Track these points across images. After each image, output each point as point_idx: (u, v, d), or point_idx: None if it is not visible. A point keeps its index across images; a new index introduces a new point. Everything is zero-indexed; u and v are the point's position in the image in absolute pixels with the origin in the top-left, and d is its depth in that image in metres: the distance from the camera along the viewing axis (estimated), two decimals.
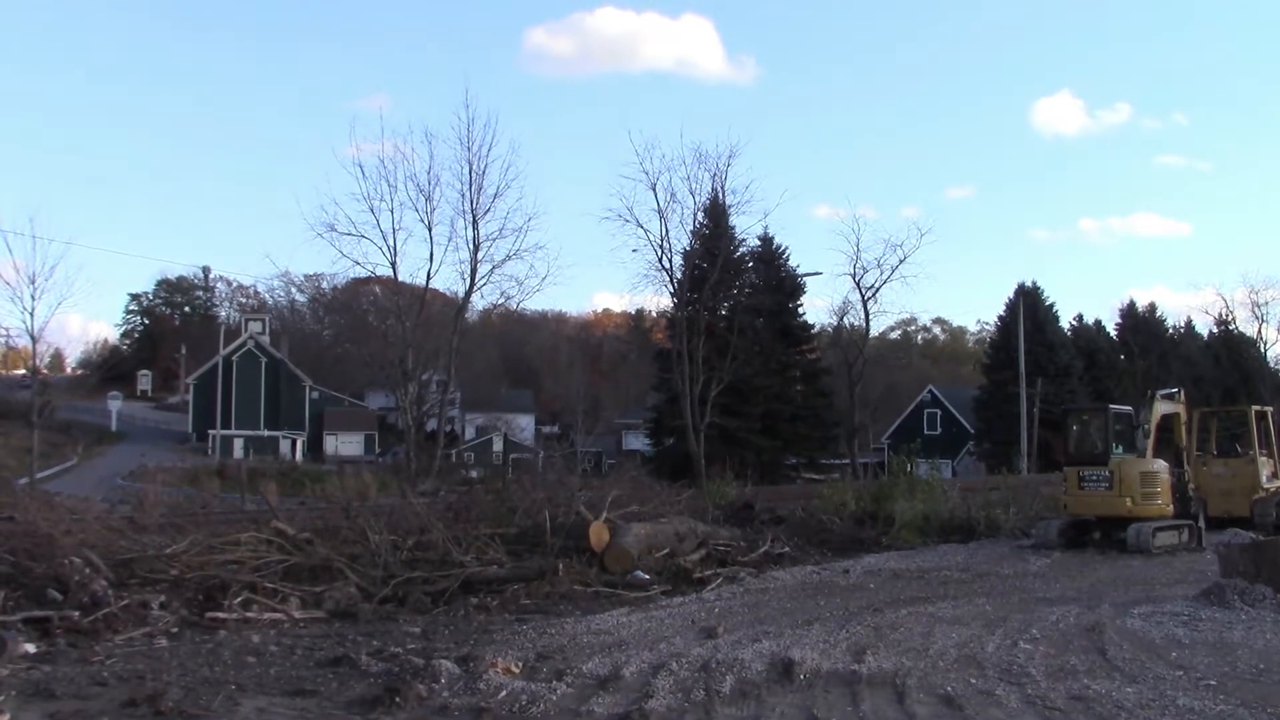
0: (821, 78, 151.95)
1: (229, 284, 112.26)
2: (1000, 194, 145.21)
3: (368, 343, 39.30)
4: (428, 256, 39.64)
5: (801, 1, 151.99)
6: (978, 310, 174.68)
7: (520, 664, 7.79)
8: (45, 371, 35.78)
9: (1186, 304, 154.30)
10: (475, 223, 38.89)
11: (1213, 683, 7.48)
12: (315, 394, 79.89)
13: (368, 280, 41.27)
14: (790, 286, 57.73)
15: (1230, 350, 75.64)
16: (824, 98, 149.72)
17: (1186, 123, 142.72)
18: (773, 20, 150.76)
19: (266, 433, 75.83)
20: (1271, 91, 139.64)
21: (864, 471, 41.00)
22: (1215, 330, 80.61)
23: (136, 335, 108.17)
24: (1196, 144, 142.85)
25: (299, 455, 73.61)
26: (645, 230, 42.34)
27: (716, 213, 45.18)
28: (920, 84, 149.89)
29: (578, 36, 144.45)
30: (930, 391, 80.00)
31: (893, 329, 67.86)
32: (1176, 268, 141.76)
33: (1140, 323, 79.91)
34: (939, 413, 79.13)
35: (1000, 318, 73.34)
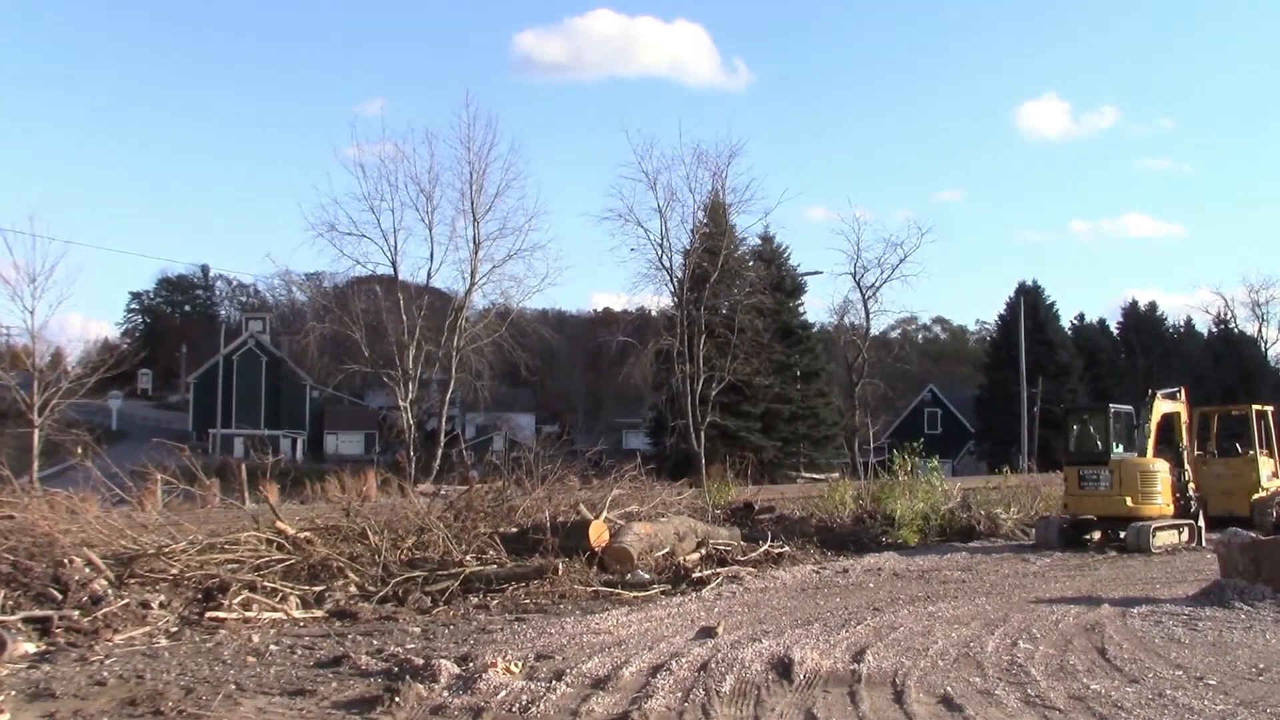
0: (812, 82, 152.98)
1: (229, 283, 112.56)
2: (990, 197, 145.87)
3: (368, 342, 39.27)
4: (428, 256, 39.71)
5: (793, 7, 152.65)
6: (977, 310, 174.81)
7: (520, 664, 7.78)
8: (45, 370, 35.57)
9: (1184, 304, 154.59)
10: (476, 222, 38.93)
11: (1212, 682, 7.48)
12: (315, 393, 79.96)
13: (368, 279, 41.28)
14: (791, 286, 57.73)
15: (1230, 350, 75.75)
16: (814, 102, 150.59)
17: (1172, 126, 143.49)
18: (765, 26, 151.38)
19: (267, 431, 75.84)
20: (1256, 96, 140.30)
21: (864, 471, 40.98)
22: (1215, 330, 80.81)
23: (137, 334, 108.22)
24: (1182, 147, 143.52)
25: (299, 454, 73.67)
26: (645, 229, 42.34)
27: (717, 211, 45.12)
28: (908, 88, 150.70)
29: (571, 41, 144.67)
30: (930, 391, 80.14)
31: (893, 328, 67.91)
32: (1172, 269, 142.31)
33: (1141, 322, 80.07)
34: (939, 412, 79.31)
35: (1000, 317, 73.57)
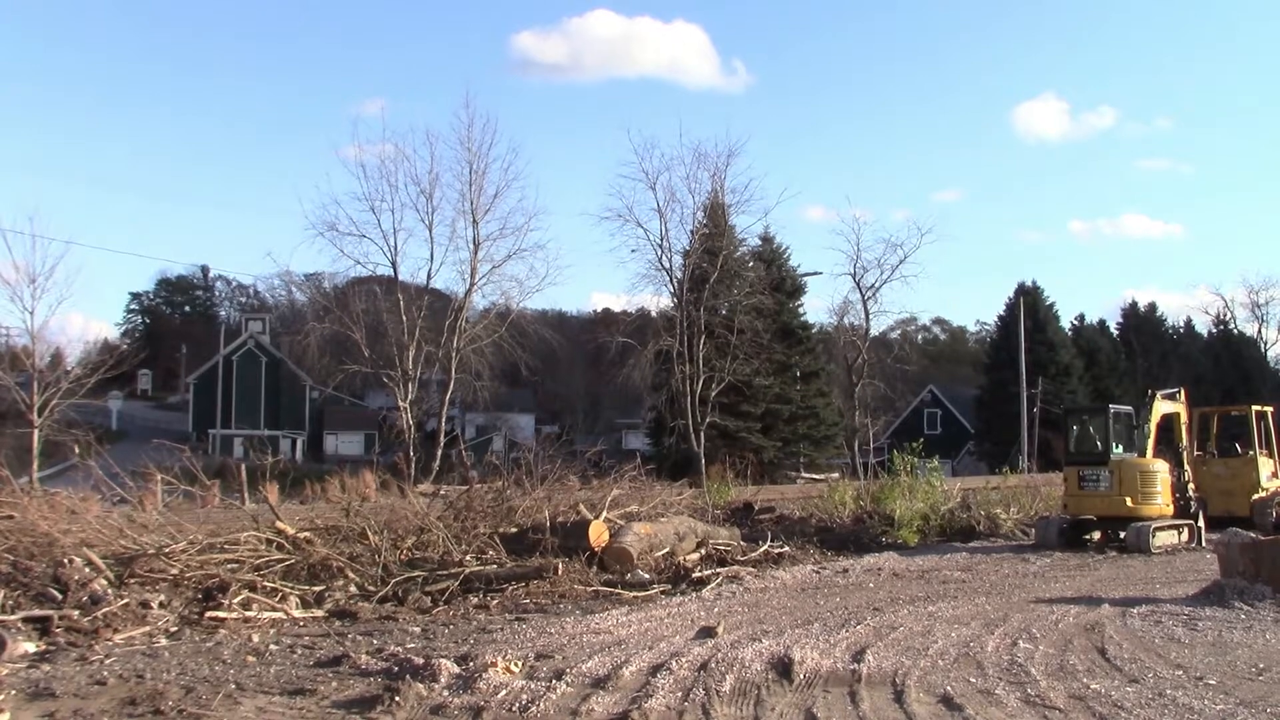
0: (811, 83, 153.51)
1: (229, 283, 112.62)
2: (989, 197, 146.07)
3: (368, 342, 39.24)
4: (428, 256, 39.70)
5: (792, 8, 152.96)
6: (976, 310, 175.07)
7: (520, 663, 7.78)
8: (45, 371, 35.59)
9: (1183, 304, 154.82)
10: (475, 223, 38.92)
11: (1212, 682, 7.48)
12: (315, 393, 79.94)
13: (368, 280, 41.25)
14: (791, 286, 57.71)
15: (1230, 350, 75.81)
16: (813, 102, 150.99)
17: (1170, 125, 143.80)
18: (764, 27, 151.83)
19: (267, 432, 75.83)
20: (1255, 96, 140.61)
21: (864, 471, 40.96)
22: (1215, 330, 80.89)
23: (137, 334, 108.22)
24: (1181, 147, 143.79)
25: (299, 455, 73.67)
26: (645, 230, 42.32)
27: (716, 212, 45.13)
28: (907, 88, 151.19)
29: (570, 41, 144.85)
30: (930, 391, 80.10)
31: (893, 329, 67.83)
32: (1171, 269, 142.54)
33: (1141, 322, 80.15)
34: (939, 412, 79.32)
35: (1000, 317, 73.51)
